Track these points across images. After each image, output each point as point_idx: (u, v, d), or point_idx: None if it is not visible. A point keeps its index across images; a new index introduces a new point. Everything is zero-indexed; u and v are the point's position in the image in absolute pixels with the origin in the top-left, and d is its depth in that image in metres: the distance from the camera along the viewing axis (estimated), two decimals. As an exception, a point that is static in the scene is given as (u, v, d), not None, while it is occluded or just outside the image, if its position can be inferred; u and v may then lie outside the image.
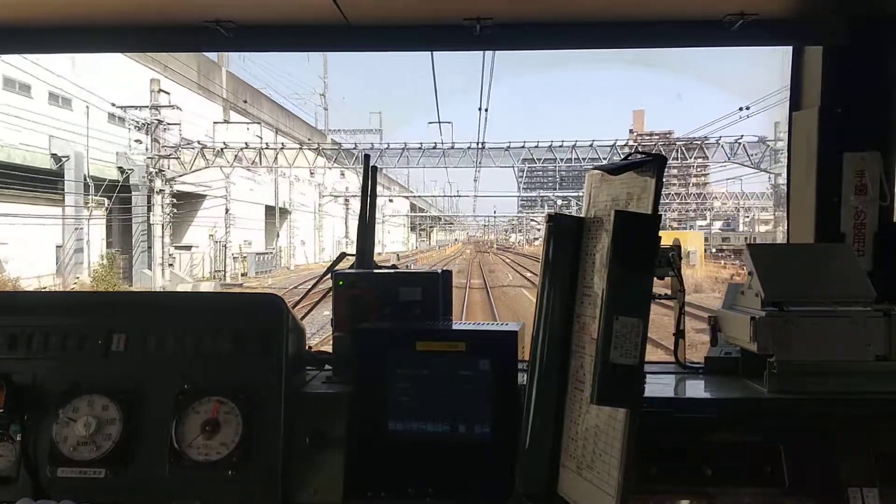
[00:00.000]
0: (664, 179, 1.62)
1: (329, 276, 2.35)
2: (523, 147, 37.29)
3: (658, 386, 2.17)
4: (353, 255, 2.46)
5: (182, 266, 38.97)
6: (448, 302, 2.27)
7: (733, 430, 1.93)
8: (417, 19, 2.41)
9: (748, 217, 62.45)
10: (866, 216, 2.41)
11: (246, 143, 37.93)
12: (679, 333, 2.34)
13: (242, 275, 41.89)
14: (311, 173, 50.08)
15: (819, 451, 1.88)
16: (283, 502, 1.96)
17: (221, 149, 36.95)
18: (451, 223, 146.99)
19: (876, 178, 2.39)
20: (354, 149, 40.33)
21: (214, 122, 40.61)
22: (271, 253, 50.18)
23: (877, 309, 1.98)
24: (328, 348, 2.32)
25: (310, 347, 2.41)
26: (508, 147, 37.65)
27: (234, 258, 43.53)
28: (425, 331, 2.07)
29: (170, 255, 35.88)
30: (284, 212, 54.56)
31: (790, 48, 2.65)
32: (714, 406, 2.06)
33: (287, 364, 2.05)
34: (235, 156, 37.33)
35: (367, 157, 2.51)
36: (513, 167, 39.31)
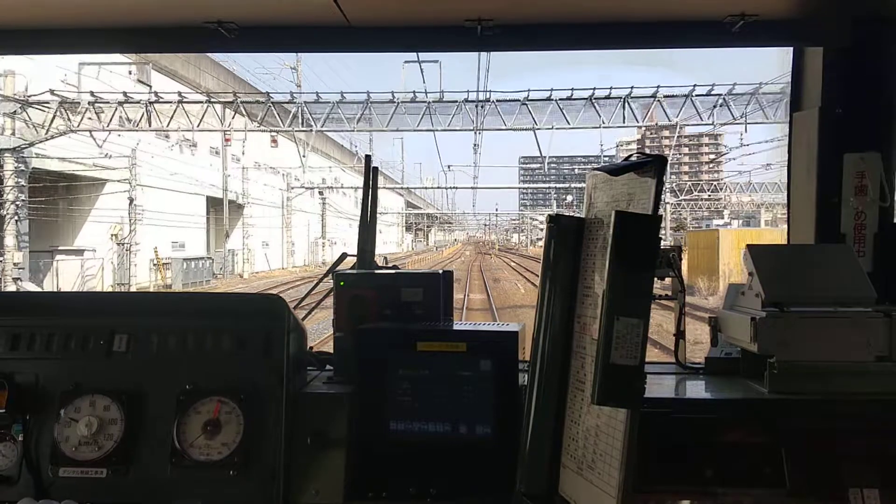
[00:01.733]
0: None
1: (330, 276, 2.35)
2: (549, 99, 25.41)
3: (659, 386, 2.18)
4: (353, 255, 2.46)
5: (68, 277, 28.56)
6: (449, 302, 2.28)
7: (734, 431, 1.93)
8: (418, 20, 2.42)
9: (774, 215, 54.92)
10: (866, 217, 2.41)
11: (125, 94, 25.61)
12: (679, 334, 2.34)
13: (165, 287, 32.45)
14: (227, 139, 36.13)
15: (820, 452, 1.88)
16: (284, 502, 1.96)
17: (92, 102, 25.02)
18: (450, 222, 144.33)
19: (876, 179, 2.39)
20: (290, 102, 27.40)
21: (81, 64, 26.71)
22: (210, 258, 38.95)
23: (877, 310, 1.98)
24: (329, 348, 2.32)
25: (311, 348, 2.42)
26: (527, 99, 25.62)
27: (153, 265, 33.12)
28: (426, 331, 2.07)
29: (15, 264, 24.20)
30: (236, 206, 43.67)
31: (791, 49, 2.65)
32: (714, 406, 2.06)
33: (288, 364, 2.06)
34: (113, 113, 24.97)
35: (368, 157, 2.52)
36: (533, 130, 26.01)
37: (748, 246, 2.16)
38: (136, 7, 2.30)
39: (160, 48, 2.69)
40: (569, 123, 25.81)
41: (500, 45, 2.42)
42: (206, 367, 2.07)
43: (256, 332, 2.09)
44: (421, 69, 27.47)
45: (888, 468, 1.86)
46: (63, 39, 2.52)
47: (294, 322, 2.14)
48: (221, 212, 42.08)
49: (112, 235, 31.69)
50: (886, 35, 2.42)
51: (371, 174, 2.47)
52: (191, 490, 1.97)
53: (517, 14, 2.33)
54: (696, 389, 2.24)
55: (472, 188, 56.86)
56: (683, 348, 2.36)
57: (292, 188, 50.36)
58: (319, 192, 52.87)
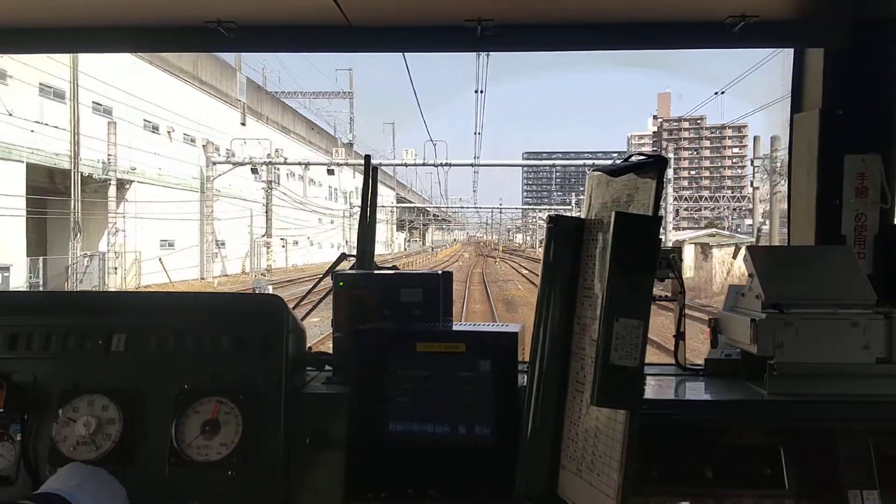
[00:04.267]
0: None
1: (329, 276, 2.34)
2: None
3: (658, 388, 2.18)
4: (353, 255, 2.46)
5: None
6: (448, 303, 2.27)
7: (733, 433, 1.92)
8: (418, 20, 2.41)
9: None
10: (867, 218, 2.41)
11: None
12: (679, 335, 2.34)
13: None
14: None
15: (819, 454, 1.88)
16: (283, 503, 1.96)
17: None
18: (448, 221, 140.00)
19: (877, 181, 2.39)
20: None
21: None
22: (6, 268, 24.20)
23: (877, 311, 1.98)
24: (328, 349, 2.32)
25: (310, 348, 2.41)
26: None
27: None
28: (425, 332, 2.07)
29: None
30: (104, 185, 28.64)
31: (791, 50, 2.65)
32: (714, 408, 2.06)
33: (287, 364, 2.05)
34: None
35: (367, 157, 2.52)
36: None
37: (748, 247, 2.17)
38: (135, 6, 2.30)
39: (160, 48, 2.69)
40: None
41: (500, 46, 2.42)
42: (205, 367, 2.07)
43: (255, 333, 2.09)
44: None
45: (888, 470, 1.86)
46: (62, 39, 2.52)
47: (293, 322, 2.14)
48: (89, 193, 27.09)
49: None
50: (887, 36, 2.42)
51: (371, 174, 2.47)
52: (189, 490, 1.96)
53: (517, 14, 2.33)
54: (696, 391, 2.24)
55: (472, 164, 42.89)
56: (683, 350, 2.35)
57: (215, 162, 34.60)
58: (253, 170, 36.53)
